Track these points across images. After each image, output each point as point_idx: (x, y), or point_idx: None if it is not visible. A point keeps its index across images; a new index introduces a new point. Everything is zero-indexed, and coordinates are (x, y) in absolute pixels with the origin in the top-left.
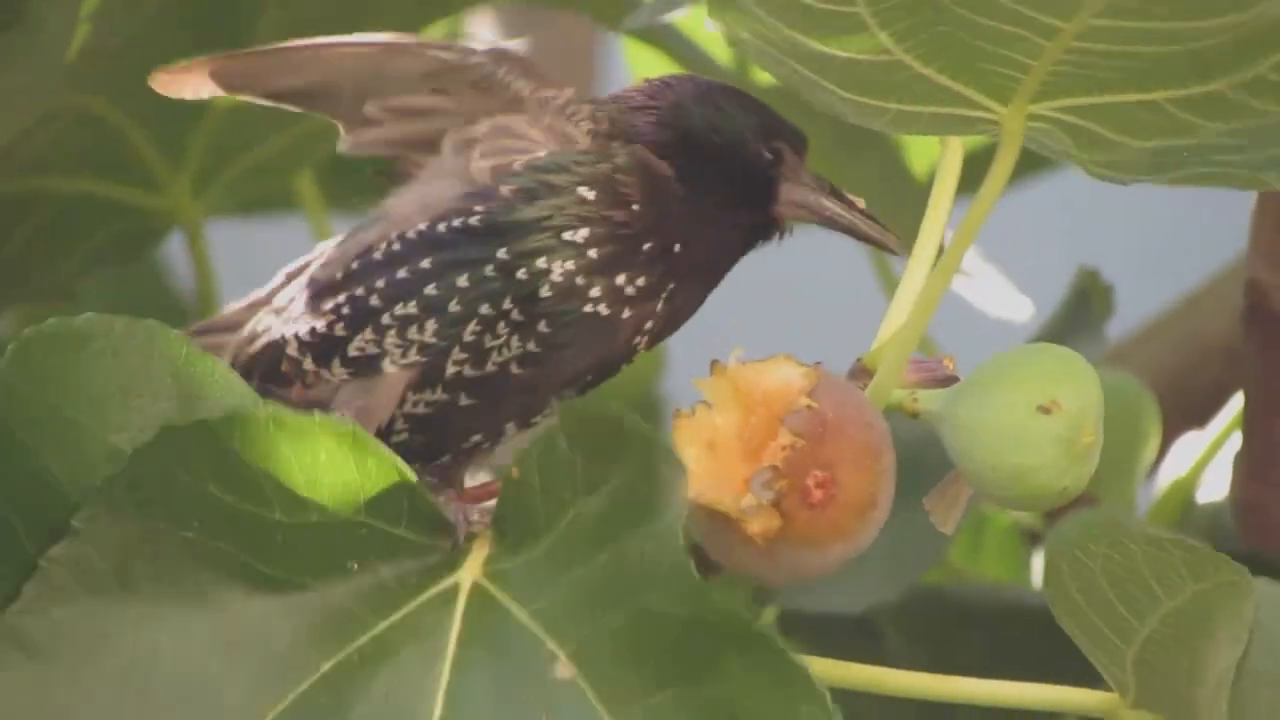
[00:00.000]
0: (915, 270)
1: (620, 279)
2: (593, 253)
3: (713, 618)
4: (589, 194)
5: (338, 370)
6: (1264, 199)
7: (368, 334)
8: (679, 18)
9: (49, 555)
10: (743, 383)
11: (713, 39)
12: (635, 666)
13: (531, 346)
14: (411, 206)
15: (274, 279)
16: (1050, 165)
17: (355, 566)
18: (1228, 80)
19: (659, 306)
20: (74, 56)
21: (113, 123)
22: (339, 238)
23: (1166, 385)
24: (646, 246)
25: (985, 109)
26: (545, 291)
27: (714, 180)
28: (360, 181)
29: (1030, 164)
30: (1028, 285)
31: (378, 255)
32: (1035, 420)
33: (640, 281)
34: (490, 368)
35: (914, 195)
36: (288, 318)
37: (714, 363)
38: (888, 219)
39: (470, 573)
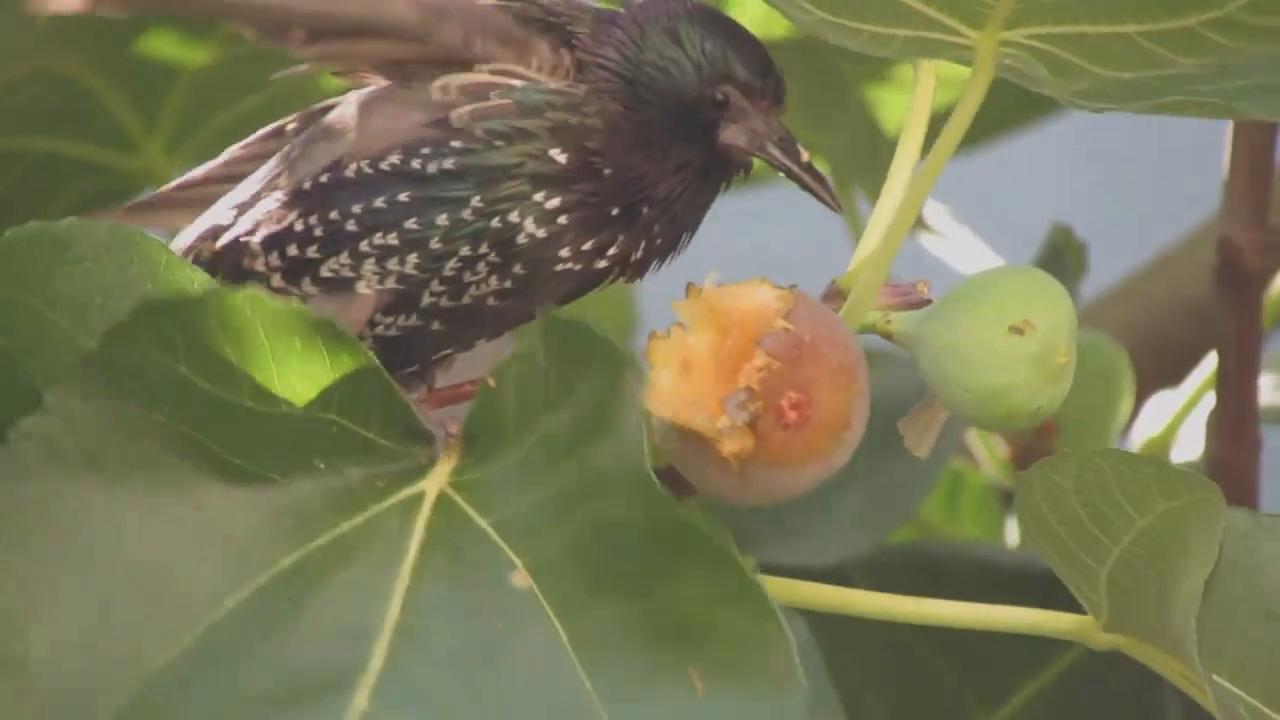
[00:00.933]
0: (889, 194)
1: (588, 245)
2: (562, 219)
3: (671, 529)
4: (560, 156)
5: (308, 287)
6: (1237, 157)
7: (344, 258)
8: None
9: (17, 429)
10: (718, 304)
11: None
12: (591, 577)
13: (509, 285)
14: (378, 127)
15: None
16: (1025, 120)
17: (323, 465)
18: (1197, 17)
19: (637, 254)
20: (48, 18)
21: (86, 83)
22: (284, 139)
23: (1140, 344)
24: (614, 212)
25: (958, 34)
26: (521, 239)
27: (659, 120)
28: None
29: (1003, 120)
30: (1001, 244)
31: (349, 174)
32: (1008, 340)
33: (610, 246)
34: (466, 300)
35: (887, 148)
36: (253, 217)
37: (690, 285)
38: (862, 170)
39: (437, 481)
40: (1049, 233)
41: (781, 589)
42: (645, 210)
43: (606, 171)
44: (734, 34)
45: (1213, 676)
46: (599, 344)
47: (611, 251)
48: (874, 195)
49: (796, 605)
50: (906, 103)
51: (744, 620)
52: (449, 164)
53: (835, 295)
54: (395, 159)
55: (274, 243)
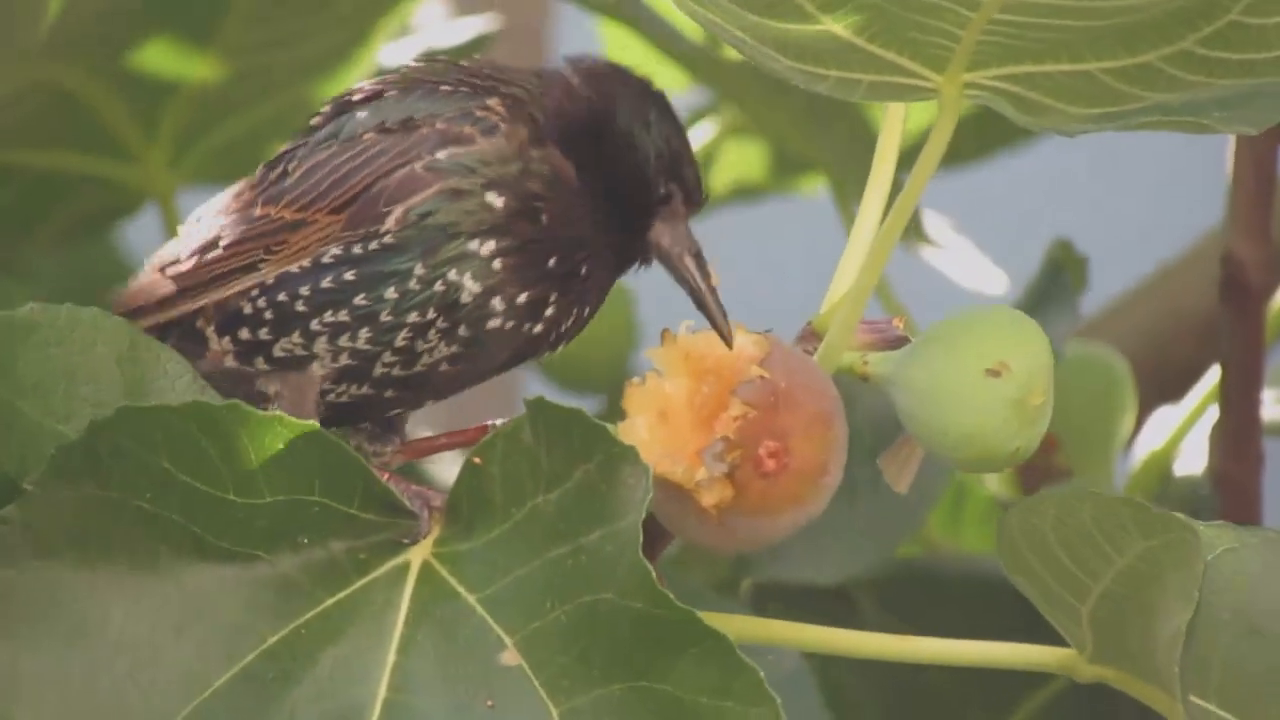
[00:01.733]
0: (862, 232)
1: (522, 298)
2: (497, 264)
3: (666, 615)
4: (497, 200)
5: (261, 365)
6: (1240, 172)
7: (295, 337)
8: None
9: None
10: (693, 351)
11: (683, 17)
12: (583, 659)
13: (456, 349)
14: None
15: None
16: (1020, 138)
17: (306, 540)
18: (1156, 53)
19: (569, 321)
20: (48, 30)
21: (86, 96)
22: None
23: (1142, 358)
24: (551, 263)
25: (921, 77)
26: (464, 299)
27: (608, 191)
28: None
29: (1001, 136)
30: (1002, 258)
31: (293, 269)
32: (985, 382)
33: (544, 306)
34: (419, 367)
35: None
36: (199, 291)
37: (665, 332)
38: (854, 186)
39: (421, 552)
40: (1050, 248)
41: (786, 631)
42: (583, 270)
43: (545, 217)
44: (686, 139)
45: (1197, 702)
46: (598, 434)
47: (548, 313)
48: None
49: (793, 645)
50: (905, 114)
51: (739, 707)
52: (388, 239)
53: (810, 336)
54: (337, 250)
55: (227, 327)
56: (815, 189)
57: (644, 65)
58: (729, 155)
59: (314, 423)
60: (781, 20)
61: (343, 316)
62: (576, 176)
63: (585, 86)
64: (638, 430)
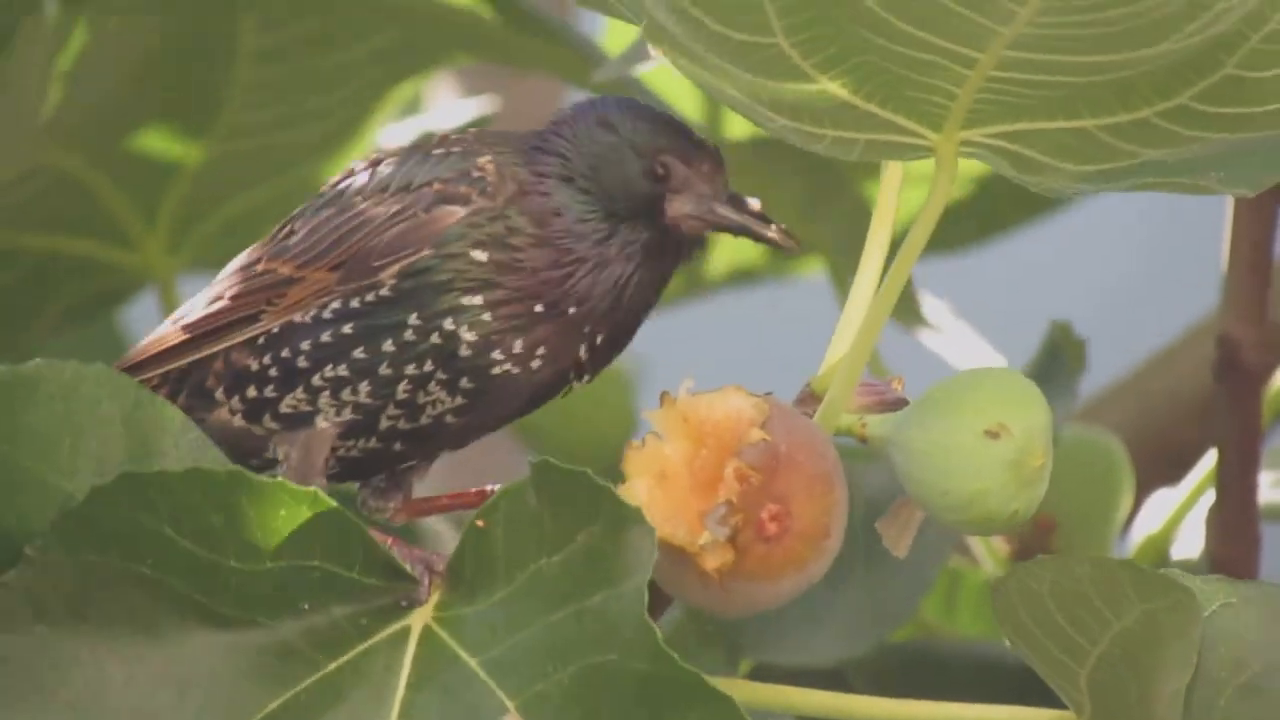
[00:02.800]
0: (859, 294)
1: (519, 346)
2: (487, 316)
3: (672, 676)
4: (482, 256)
5: (269, 423)
6: (1236, 253)
7: (299, 393)
8: (647, 70)
9: (0, 580)
10: (692, 414)
11: (681, 93)
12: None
13: (461, 400)
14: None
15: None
16: (1018, 220)
17: (307, 606)
18: (1152, 109)
19: (580, 355)
20: (48, 115)
21: (86, 181)
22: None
23: (1139, 441)
24: (538, 309)
25: (918, 135)
26: (464, 351)
27: (604, 207)
28: None
29: (999, 219)
30: (1000, 342)
31: (297, 319)
32: (983, 444)
33: (539, 345)
34: (425, 420)
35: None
36: (205, 340)
37: (663, 394)
38: (852, 270)
39: (422, 616)
40: (1048, 330)
41: (773, 695)
42: (572, 310)
43: (530, 267)
44: (660, 114)
45: None
46: (603, 496)
47: (540, 351)
48: None
49: (792, 711)
50: (906, 196)
51: None
52: (385, 292)
53: (809, 399)
54: (336, 304)
55: (234, 387)
56: (814, 272)
57: None
58: (726, 239)
59: (315, 489)
60: (778, 79)
61: (343, 371)
62: (571, 209)
63: (557, 124)
64: (637, 493)
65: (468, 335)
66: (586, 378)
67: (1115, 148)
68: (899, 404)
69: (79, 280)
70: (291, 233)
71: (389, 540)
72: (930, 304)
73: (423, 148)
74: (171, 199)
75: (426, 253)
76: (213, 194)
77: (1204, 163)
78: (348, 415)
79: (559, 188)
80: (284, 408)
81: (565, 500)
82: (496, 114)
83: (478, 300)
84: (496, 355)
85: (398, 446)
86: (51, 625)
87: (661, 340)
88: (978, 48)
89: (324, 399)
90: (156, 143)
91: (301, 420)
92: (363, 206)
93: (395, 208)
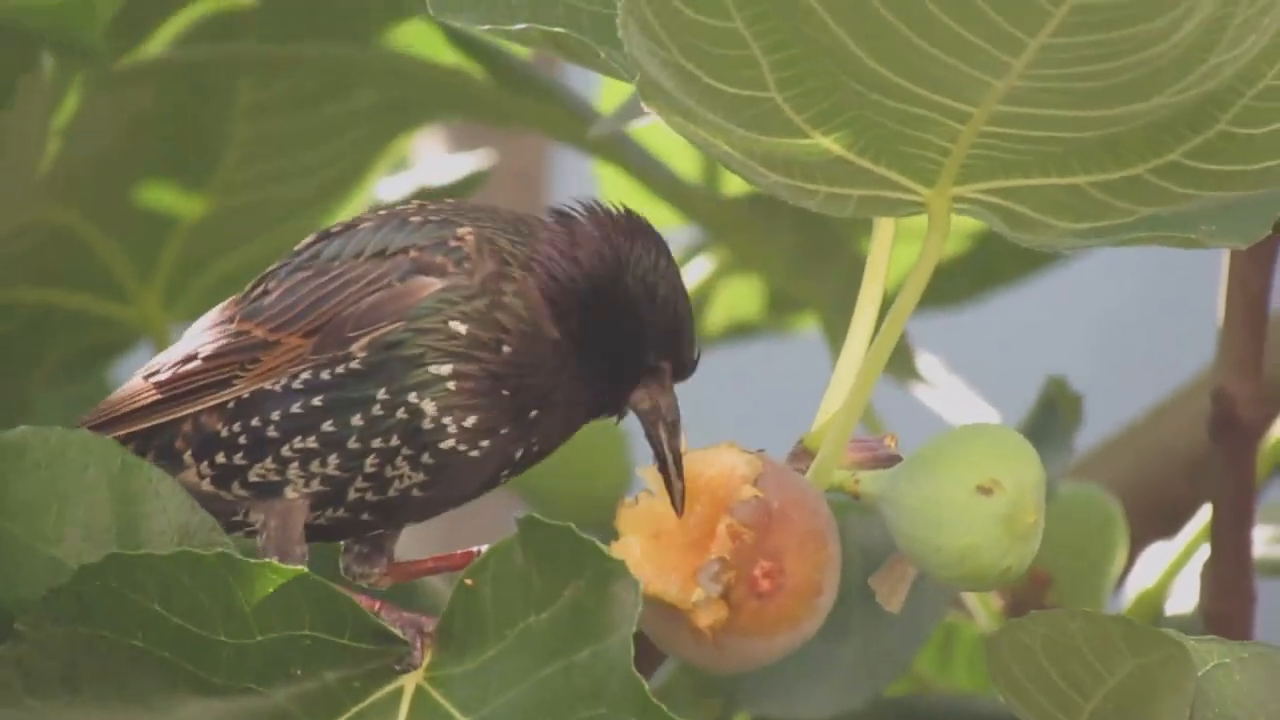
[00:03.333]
0: (852, 351)
1: (471, 421)
2: (452, 385)
3: None
4: (460, 328)
5: (238, 490)
6: (1231, 308)
7: (269, 463)
8: (641, 127)
9: None
10: (686, 470)
11: (674, 149)
12: None
13: (424, 476)
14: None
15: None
16: (1011, 277)
17: (299, 672)
18: (1145, 165)
19: (517, 453)
20: (45, 170)
21: (83, 235)
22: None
23: (1134, 496)
24: (505, 392)
25: (910, 191)
26: (426, 425)
27: (594, 349)
28: None
29: (992, 275)
30: (995, 395)
31: (268, 387)
32: (976, 500)
33: (491, 429)
34: (393, 493)
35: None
36: (176, 402)
37: None
38: (845, 326)
39: (414, 677)
40: (1043, 385)
41: None
42: (534, 413)
43: (507, 349)
44: (689, 311)
45: None
46: (587, 551)
47: (488, 436)
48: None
49: None
50: (900, 253)
51: None
52: (355, 365)
53: (802, 455)
54: (306, 374)
55: (203, 451)
56: (809, 327)
57: (638, 204)
58: (723, 293)
59: (303, 570)
60: (772, 134)
61: (312, 443)
62: (558, 325)
63: (593, 238)
64: (631, 550)
65: (429, 408)
66: (507, 475)
67: (1108, 204)
68: (891, 460)
69: (75, 333)
70: (265, 292)
71: (377, 605)
72: (925, 359)
73: (401, 213)
74: (168, 253)
75: (398, 325)
76: (209, 248)
77: (1196, 217)
78: (316, 486)
79: (565, 296)
80: (253, 476)
81: (551, 556)
82: (490, 169)
83: (445, 370)
84: (450, 428)
85: (365, 517)
86: (44, 698)
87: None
88: (971, 102)
89: (293, 470)
90: (153, 197)
91: (270, 489)
92: (338, 270)
93: (370, 275)
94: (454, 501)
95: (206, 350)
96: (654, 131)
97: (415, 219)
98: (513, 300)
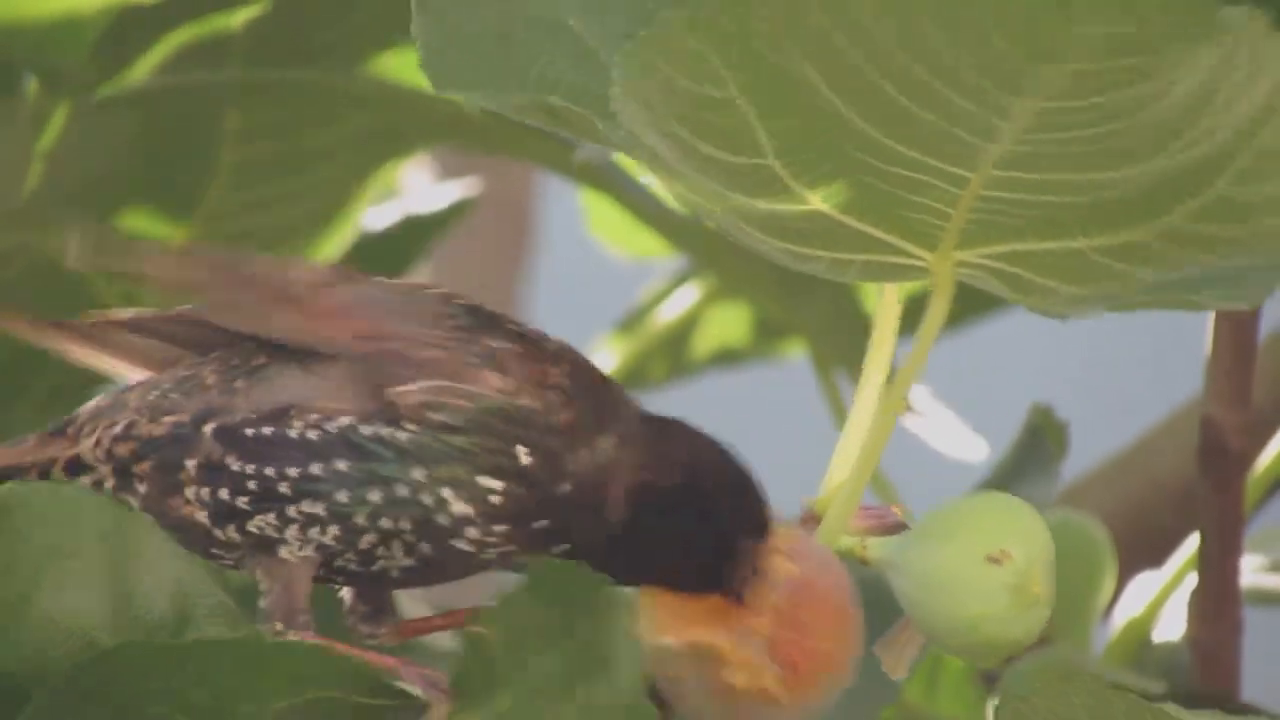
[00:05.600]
0: (859, 414)
1: (497, 529)
2: (496, 499)
3: None
4: (526, 458)
5: (231, 534)
6: (1219, 336)
7: (271, 518)
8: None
9: None
10: None
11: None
12: None
13: (412, 561)
14: (328, 389)
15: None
16: (998, 307)
17: None
18: (1144, 229)
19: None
20: (29, 195)
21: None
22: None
23: (1122, 524)
24: (535, 525)
25: (913, 256)
26: (442, 520)
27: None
28: None
29: (978, 305)
30: (982, 424)
31: (292, 433)
32: (985, 570)
33: (513, 541)
34: (374, 569)
35: (867, 334)
36: (179, 432)
37: None
38: (840, 358)
39: None
40: (1029, 413)
41: None
42: (555, 547)
43: (564, 490)
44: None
45: None
46: (593, 586)
47: (504, 546)
48: (855, 375)
49: None
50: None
51: None
52: (402, 439)
53: (809, 519)
54: (345, 421)
55: (208, 477)
56: (799, 353)
57: (625, 231)
58: (712, 320)
59: (321, 642)
60: (768, 200)
61: (319, 510)
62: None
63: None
64: (665, 604)
65: (461, 508)
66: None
67: (1109, 268)
68: (899, 528)
69: (62, 363)
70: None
71: (391, 663)
72: (912, 388)
73: (492, 317)
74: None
75: (475, 408)
76: None
77: (1196, 281)
78: (309, 551)
79: (642, 504)
80: (251, 526)
81: (559, 595)
82: (476, 197)
83: (496, 485)
84: (470, 532)
85: (339, 580)
86: None
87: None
88: (968, 166)
89: (292, 531)
90: (139, 225)
91: (265, 545)
92: (418, 311)
93: (456, 342)
94: (430, 584)
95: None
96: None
97: (510, 326)
98: (594, 455)
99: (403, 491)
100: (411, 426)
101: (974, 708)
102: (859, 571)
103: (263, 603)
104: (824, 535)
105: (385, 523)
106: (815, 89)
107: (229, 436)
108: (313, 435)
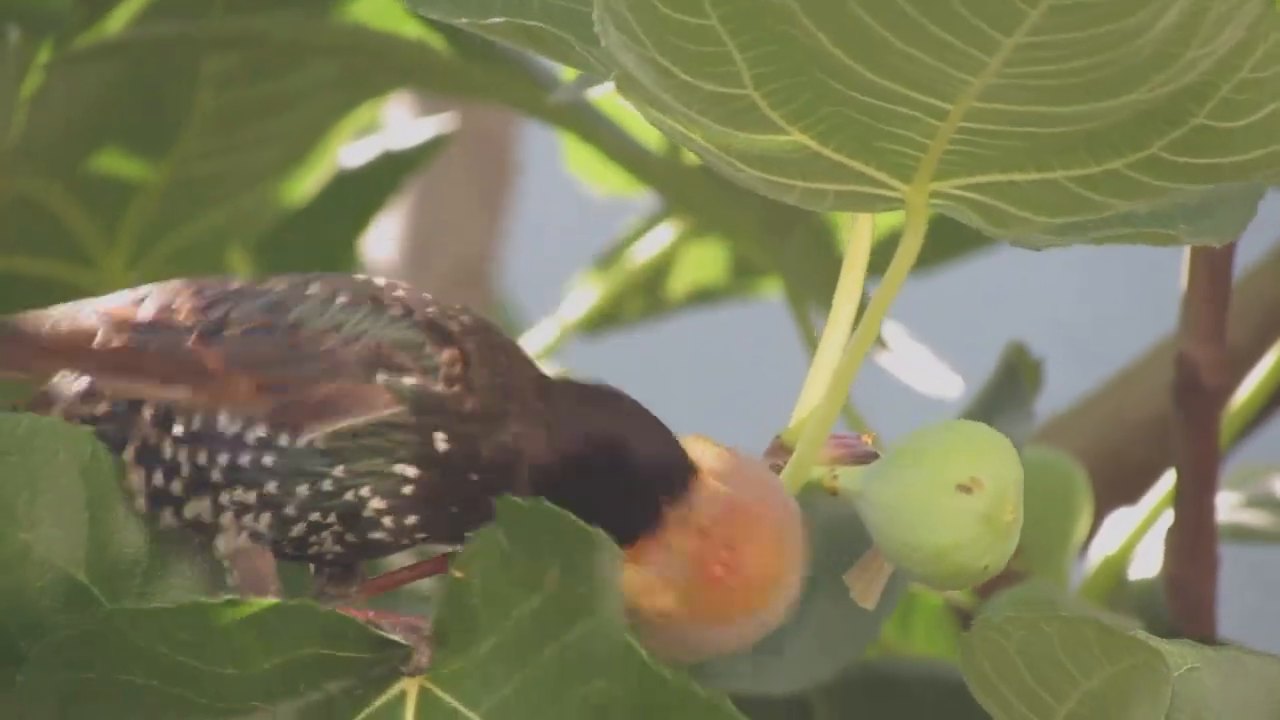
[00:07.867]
0: (830, 346)
1: (410, 520)
2: (409, 489)
3: (665, 696)
4: (442, 444)
5: (169, 520)
6: (1195, 273)
7: (204, 504)
8: (603, 95)
9: None
10: None
11: (636, 119)
12: None
13: (340, 549)
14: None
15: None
16: (976, 246)
17: (303, 687)
18: (1123, 160)
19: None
20: (14, 140)
21: (48, 203)
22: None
23: (1097, 462)
24: (453, 510)
25: (888, 187)
26: (366, 513)
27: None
28: (291, 261)
29: (959, 242)
30: (958, 362)
31: (220, 425)
32: (955, 499)
33: (428, 530)
34: (309, 552)
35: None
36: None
37: None
38: (815, 297)
39: (415, 678)
40: (1004, 351)
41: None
42: (469, 528)
43: (474, 476)
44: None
45: None
46: (566, 525)
47: (420, 534)
48: (829, 310)
49: None
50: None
51: None
52: (319, 443)
53: (779, 450)
54: (262, 432)
55: (143, 460)
56: (775, 291)
57: (601, 170)
58: (687, 259)
59: (307, 601)
60: (748, 131)
61: (250, 498)
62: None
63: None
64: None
65: (377, 503)
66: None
67: (1085, 199)
68: (870, 457)
69: (41, 299)
70: (226, 320)
71: (369, 615)
72: (887, 325)
73: (376, 295)
74: (130, 219)
75: (381, 419)
76: (171, 215)
77: (1174, 214)
78: (244, 540)
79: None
80: (188, 512)
81: (532, 536)
82: (453, 133)
83: (412, 472)
84: (386, 523)
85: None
86: None
87: (630, 379)
88: (948, 99)
89: (226, 518)
90: (116, 165)
91: (204, 530)
92: (303, 336)
93: (354, 356)
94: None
95: (156, 346)
96: (614, 101)
97: (394, 313)
98: (503, 437)
99: (329, 486)
100: (327, 434)
101: (949, 646)
102: (837, 508)
103: (230, 580)
104: (794, 466)
105: (315, 516)
106: (798, 21)
107: (161, 418)
108: (237, 431)
